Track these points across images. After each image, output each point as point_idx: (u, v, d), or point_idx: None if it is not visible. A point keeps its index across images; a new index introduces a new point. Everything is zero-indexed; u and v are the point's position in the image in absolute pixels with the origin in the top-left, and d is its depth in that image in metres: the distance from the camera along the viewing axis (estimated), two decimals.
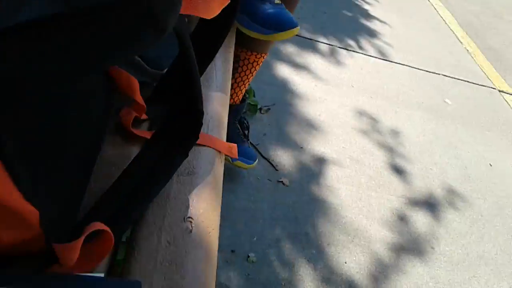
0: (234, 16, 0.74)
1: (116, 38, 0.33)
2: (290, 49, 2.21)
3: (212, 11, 0.68)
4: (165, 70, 0.71)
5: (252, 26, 1.02)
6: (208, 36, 0.75)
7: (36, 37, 0.29)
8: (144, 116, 0.66)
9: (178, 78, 0.60)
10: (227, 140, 0.75)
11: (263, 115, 1.75)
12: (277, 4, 1.03)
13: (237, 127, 1.42)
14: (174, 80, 0.68)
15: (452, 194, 1.73)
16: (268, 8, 1.01)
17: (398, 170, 1.74)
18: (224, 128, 0.76)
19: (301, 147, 1.66)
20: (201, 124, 0.56)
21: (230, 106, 1.49)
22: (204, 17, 0.65)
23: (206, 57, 0.79)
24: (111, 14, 0.31)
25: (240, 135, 1.42)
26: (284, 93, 1.92)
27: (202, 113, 0.55)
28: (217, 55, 0.88)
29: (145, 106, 0.62)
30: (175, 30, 0.60)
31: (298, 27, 1.01)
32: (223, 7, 0.70)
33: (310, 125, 1.80)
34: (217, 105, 0.79)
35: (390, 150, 1.84)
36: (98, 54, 0.33)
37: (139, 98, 0.60)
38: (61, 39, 0.30)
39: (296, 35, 2.36)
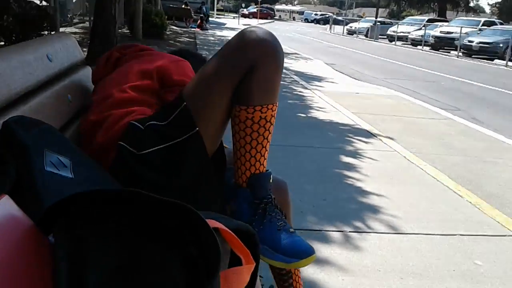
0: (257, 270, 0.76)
1: None
2: None
3: (244, 282, 0.69)
4: None
5: (276, 257, 1.06)
6: None
7: None
8: None
9: None
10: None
11: None
12: (292, 232, 1.08)
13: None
14: None
15: None
16: (285, 238, 1.06)
17: None
18: None
19: None
20: None
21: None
22: None
23: None
24: None
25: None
26: None
27: None
28: None
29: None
30: None
31: (315, 253, 1.06)
32: (251, 271, 0.71)
33: None
34: None
35: None
36: None
37: None
38: None
39: (305, 229, 2.37)
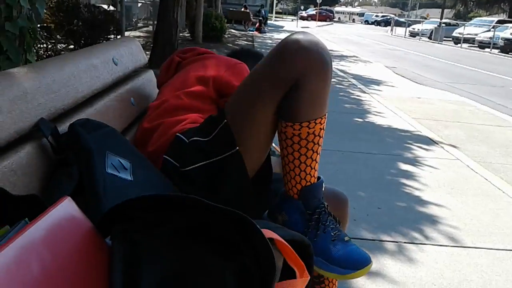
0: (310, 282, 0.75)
1: None
2: None
3: None
4: None
5: (331, 268, 1.03)
6: None
7: None
8: None
9: None
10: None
11: None
12: (347, 241, 1.05)
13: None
14: None
15: None
16: (341, 249, 1.03)
17: None
18: None
19: None
20: None
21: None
22: None
23: None
24: None
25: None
26: None
27: None
28: None
29: None
30: None
31: (372, 262, 1.02)
32: (306, 283, 0.70)
33: None
34: None
35: None
36: None
37: None
38: None
39: (358, 238, 2.33)
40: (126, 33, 9.64)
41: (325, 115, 1.06)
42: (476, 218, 2.70)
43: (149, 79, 1.80)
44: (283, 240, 0.73)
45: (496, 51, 19.09)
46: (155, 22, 8.75)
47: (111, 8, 8.46)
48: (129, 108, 1.48)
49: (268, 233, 0.73)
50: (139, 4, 13.92)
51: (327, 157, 3.48)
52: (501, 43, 19.01)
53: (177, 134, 1.15)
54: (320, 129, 1.05)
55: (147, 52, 7.87)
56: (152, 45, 7.84)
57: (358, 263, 1.01)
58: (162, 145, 1.17)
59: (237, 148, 1.06)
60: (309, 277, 0.73)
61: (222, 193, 1.07)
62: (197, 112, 1.25)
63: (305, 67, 0.99)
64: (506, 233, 2.54)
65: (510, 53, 18.37)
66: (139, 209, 0.71)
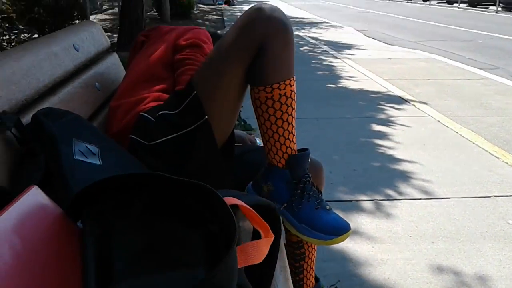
0: (278, 242, 0.80)
1: None
2: None
3: (263, 254, 0.73)
4: None
5: (315, 235, 1.09)
6: (261, 266, 0.78)
7: None
8: None
9: None
10: None
11: None
12: (329, 210, 1.11)
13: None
14: None
15: None
16: (323, 216, 1.09)
17: None
18: None
19: None
20: None
21: None
22: (258, 262, 0.69)
23: (267, 281, 0.82)
24: None
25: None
26: (344, 266, 1.85)
27: None
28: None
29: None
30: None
31: (351, 229, 1.10)
32: (270, 243, 0.75)
33: None
34: None
35: None
36: None
37: None
38: None
39: (336, 200, 2.40)
40: (92, 17, 9.40)
41: (293, 77, 1.12)
42: (448, 170, 2.80)
43: (113, 62, 1.79)
44: (246, 205, 0.78)
45: (464, 5, 19.22)
46: (121, 4, 8.54)
47: None
48: (94, 93, 1.48)
49: (231, 200, 0.77)
50: None
51: (302, 125, 3.53)
52: None
53: (141, 113, 1.17)
54: (291, 91, 1.10)
55: (115, 35, 7.72)
56: (119, 27, 7.69)
57: (339, 230, 1.08)
58: (126, 125, 1.19)
59: (206, 117, 1.10)
60: (273, 237, 0.78)
61: (191, 164, 1.11)
62: (160, 83, 1.26)
63: (267, 32, 1.06)
64: (477, 181, 2.64)
65: (478, 6, 18.52)
66: (107, 191, 0.74)
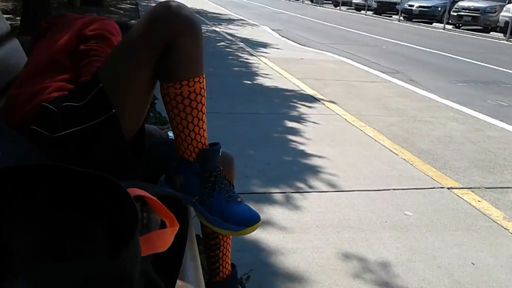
0: (186, 232, 0.83)
1: None
2: None
3: (167, 242, 0.75)
4: None
5: (225, 226, 1.11)
6: (169, 254, 0.80)
7: None
8: None
9: None
10: None
11: (245, 283, 1.71)
12: (239, 202, 1.15)
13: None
14: None
15: None
16: (234, 208, 1.12)
17: None
18: None
19: None
20: None
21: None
22: (162, 250, 0.71)
23: (174, 269, 0.85)
24: None
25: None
26: (256, 255, 1.91)
27: None
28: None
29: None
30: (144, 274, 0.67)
31: (261, 220, 1.14)
32: (175, 232, 0.77)
33: (293, 280, 1.77)
34: None
35: (376, 282, 1.82)
36: None
37: None
38: None
39: (250, 192, 2.46)
40: None
41: (202, 74, 1.12)
42: (353, 165, 2.99)
43: (14, 47, 1.68)
44: (151, 196, 0.78)
45: (370, 13, 20.50)
46: None
47: None
48: None
49: (136, 191, 0.77)
50: None
51: (218, 120, 3.56)
52: (374, 5, 20.43)
53: (43, 103, 1.11)
54: (201, 88, 1.11)
55: (18, 18, 7.16)
56: (22, 9, 7.14)
57: (250, 221, 1.11)
58: (27, 115, 1.12)
59: (114, 110, 1.07)
60: (178, 226, 0.79)
61: (98, 157, 1.08)
62: (63, 73, 1.21)
63: (174, 30, 1.05)
64: (378, 175, 2.86)
65: (382, 15, 19.86)
66: (6, 182, 0.70)
